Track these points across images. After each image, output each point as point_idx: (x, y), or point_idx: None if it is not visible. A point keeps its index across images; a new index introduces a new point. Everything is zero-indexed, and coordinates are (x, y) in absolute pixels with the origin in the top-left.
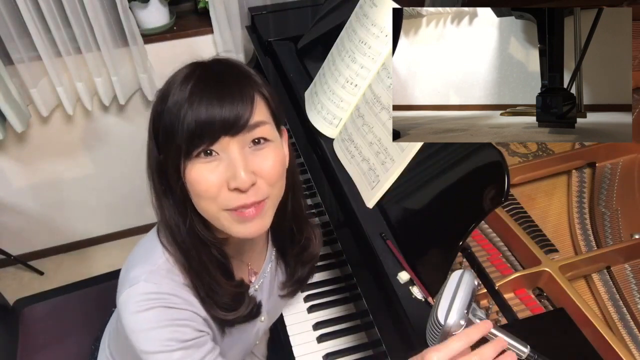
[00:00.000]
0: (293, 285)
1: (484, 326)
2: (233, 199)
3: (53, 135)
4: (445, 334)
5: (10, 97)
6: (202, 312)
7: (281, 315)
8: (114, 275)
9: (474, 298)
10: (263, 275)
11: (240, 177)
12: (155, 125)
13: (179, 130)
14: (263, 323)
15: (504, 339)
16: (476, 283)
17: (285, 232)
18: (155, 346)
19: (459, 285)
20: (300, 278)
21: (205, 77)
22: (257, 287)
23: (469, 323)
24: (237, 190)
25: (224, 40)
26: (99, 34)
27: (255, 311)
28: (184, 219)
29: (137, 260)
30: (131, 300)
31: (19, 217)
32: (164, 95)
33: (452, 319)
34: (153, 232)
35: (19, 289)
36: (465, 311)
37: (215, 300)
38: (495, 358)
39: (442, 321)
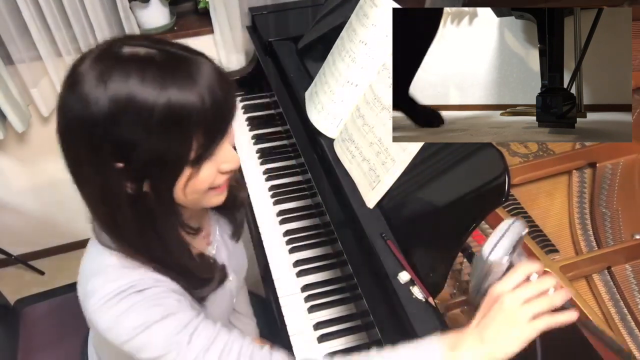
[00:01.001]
0: (238, 229)
1: (538, 267)
2: (220, 180)
3: (53, 135)
4: (488, 273)
5: (11, 97)
6: (175, 285)
7: (282, 315)
8: None
9: (520, 244)
10: (215, 239)
11: (236, 160)
12: (125, 150)
13: (195, 138)
14: (232, 282)
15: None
16: (525, 231)
17: None
18: (146, 333)
19: (507, 229)
20: (241, 221)
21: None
22: (214, 252)
23: (512, 266)
24: (228, 172)
25: (224, 40)
26: (100, 34)
27: (223, 276)
28: (160, 219)
29: (87, 273)
30: (101, 309)
31: (20, 217)
32: (133, 112)
33: (496, 255)
34: (92, 245)
35: (20, 289)
36: (510, 252)
37: (186, 281)
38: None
39: (485, 256)
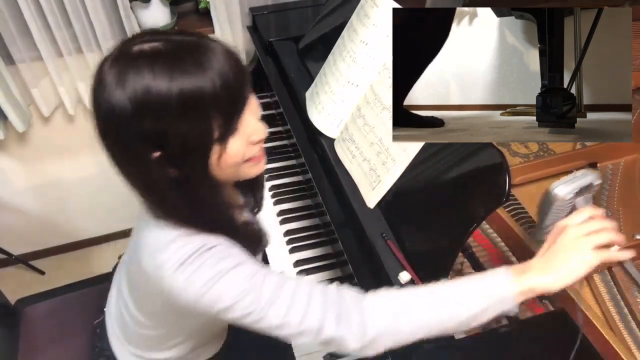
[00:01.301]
0: (258, 203)
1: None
2: (254, 150)
3: (54, 135)
4: (551, 207)
5: (12, 97)
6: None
7: None
8: None
9: (590, 192)
10: (243, 207)
11: (263, 130)
12: (155, 141)
13: (211, 117)
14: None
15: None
16: (598, 182)
17: None
18: (221, 282)
19: (581, 175)
20: (261, 197)
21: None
22: (246, 215)
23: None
24: (259, 142)
25: (225, 40)
26: (100, 34)
27: (266, 242)
28: (205, 195)
29: (154, 249)
30: (176, 272)
31: (20, 217)
32: (164, 96)
33: (562, 191)
34: (148, 224)
35: (20, 289)
36: (576, 193)
37: (242, 247)
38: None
39: (552, 189)
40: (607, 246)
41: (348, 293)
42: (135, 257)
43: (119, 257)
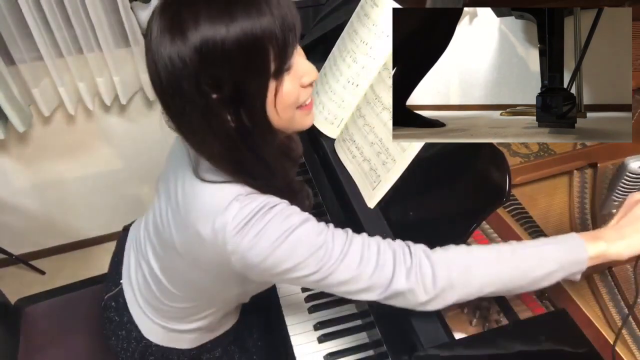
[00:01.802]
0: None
1: None
2: (304, 95)
3: (55, 135)
4: (623, 179)
5: (12, 97)
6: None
7: (282, 315)
8: None
9: None
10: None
11: (314, 72)
12: (211, 72)
13: (269, 54)
14: None
15: None
16: None
17: None
18: (290, 239)
19: None
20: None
21: None
22: None
23: None
24: (309, 85)
25: None
26: (101, 34)
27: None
28: (264, 142)
29: (214, 211)
30: (241, 232)
31: (21, 217)
32: (215, 41)
33: (637, 164)
34: (200, 186)
35: (21, 289)
36: None
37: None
38: None
39: (626, 162)
40: None
41: (416, 246)
42: (181, 225)
43: (125, 228)
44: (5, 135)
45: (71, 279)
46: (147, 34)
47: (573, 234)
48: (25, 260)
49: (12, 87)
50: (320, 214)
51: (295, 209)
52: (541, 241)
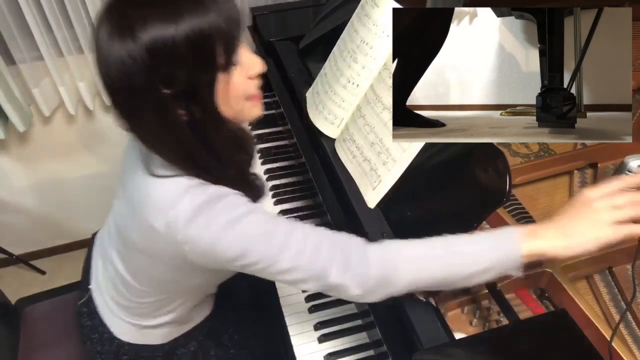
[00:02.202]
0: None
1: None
2: (252, 86)
3: (55, 134)
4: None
5: (13, 97)
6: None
7: (282, 315)
8: None
9: None
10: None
11: (260, 64)
12: (163, 69)
13: (216, 48)
14: None
15: None
16: None
17: None
18: (238, 227)
19: None
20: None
21: None
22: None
23: None
24: (256, 77)
25: None
26: None
27: (266, 189)
28: (216, 134)
29: (165, 203)
30: (193, 221)
31: (21, 217)
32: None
33: (635, 163)
34: (150, 182)
35: (21, 289)
36: None
37: (249, 195)
38: None
39: (626, 160)
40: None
41: (354, 240)
42: (136, 221)
43: (93, 235)
44: (5, 135)
45: (71, 279)
46: (95, 36)
47: (511, 230)
48: (25, 260)
49: (13, 86)
50: (320, 214)
51: (244, 199)
52: (477, 237)
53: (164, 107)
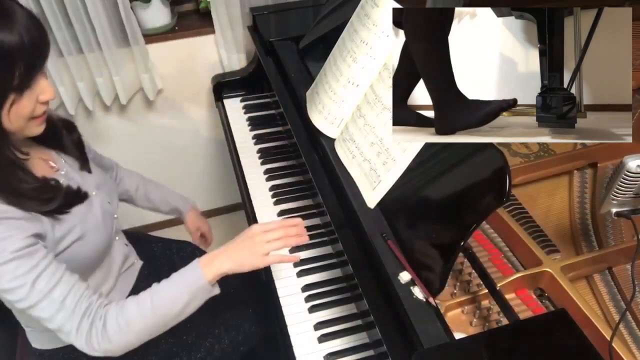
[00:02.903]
0: (84, 163)
1: (296, 221)
2: (39, 109)
3: None
4: (619, 177)
5: None
6: (19, 213)
7: (282, 315)
8: None
9: None
10: (63, 168)
11: (51, 91)
12: None
13: (15, 70)
14: (97, 196)
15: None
16: None
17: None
18: None
19: None
20: (84, 156)
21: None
22: (63, 173)
23: None
24: (45, 103)
25: (225, 40)
26: (101, 34)
27: (76, 193)
28: None
29: None
30: None
31: None
32: None
33: (634, 163)
34: None
35: None
36: None
37: (25, 197)
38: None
39: (625, 160)
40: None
41: (98, 312)
42: None
43: None
44: None
45: None
46: None
47: (195, 264)
48: None
49: None
50: (320, 214)
51: (13, 236)
52: (172, 280)
53: None
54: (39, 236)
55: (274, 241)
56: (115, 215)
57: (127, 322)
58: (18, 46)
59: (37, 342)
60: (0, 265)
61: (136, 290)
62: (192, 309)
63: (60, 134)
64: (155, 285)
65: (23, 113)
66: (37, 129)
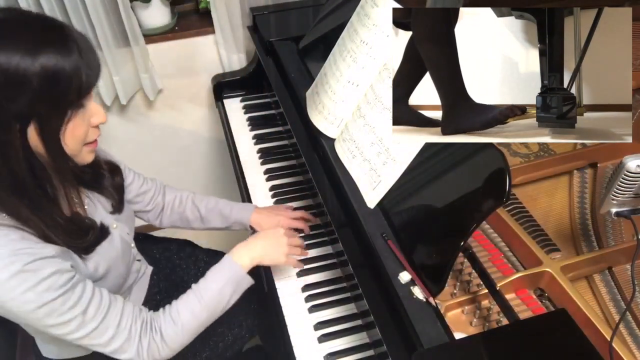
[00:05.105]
0: (118, 205)
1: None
2: (93, 134)
3: None
4: (619, 177)
5: None
6: (53, 249)
7: (282, 315)
8: None
9: None
10: (89, 202)
11: (104, 114)
12: (17, 100)
13: (71, 86)
14: (117, 229)
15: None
16: None
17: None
18: (34, 304)
19: None
20: (121, 199)
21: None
22: (86, 207)
23: None
24: (97, 126)
25: (225, 40)
26: (101, 34)
27: (101, 229)
28: (33, 171)
29: None
30: (9, 286)
31: None
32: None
33: (633, 163)
34: None
35: None
36: None
37: (59, 233)
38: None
39: (625, 160)
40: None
41: (154, 324)
42: None
43: None
44: None
45: None
46: None
47: (228, 259)
48: None
49: None
50: (320, 214)
51: (55, 274)
52: (212, 277)
53: (6, 139)
54: (75, 269)
55: (296, 247)
56: (133, 245)
57: (182, 326)
58: (75, 68)
59: (52, 353)
60: (47, 303)
61: (150, 296)
62: (235, 299)
63: (102, 176)
64: (195, 286)
65: (78, 134)
66: (89, 156)
